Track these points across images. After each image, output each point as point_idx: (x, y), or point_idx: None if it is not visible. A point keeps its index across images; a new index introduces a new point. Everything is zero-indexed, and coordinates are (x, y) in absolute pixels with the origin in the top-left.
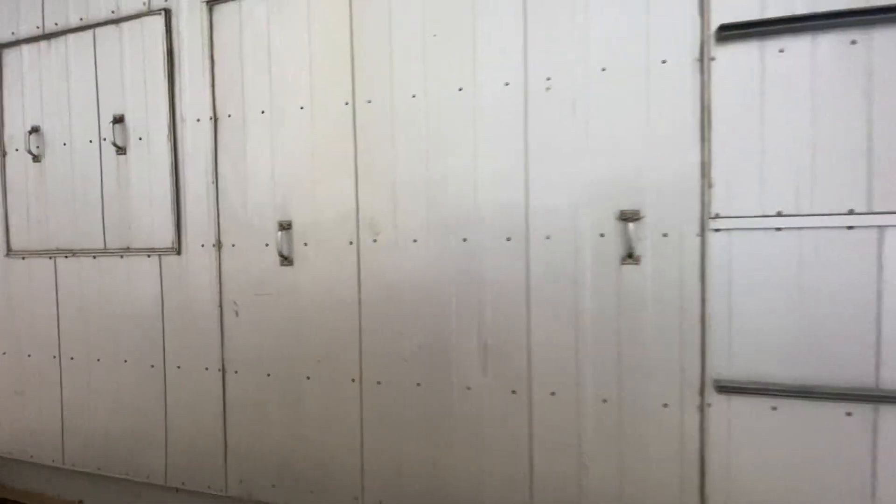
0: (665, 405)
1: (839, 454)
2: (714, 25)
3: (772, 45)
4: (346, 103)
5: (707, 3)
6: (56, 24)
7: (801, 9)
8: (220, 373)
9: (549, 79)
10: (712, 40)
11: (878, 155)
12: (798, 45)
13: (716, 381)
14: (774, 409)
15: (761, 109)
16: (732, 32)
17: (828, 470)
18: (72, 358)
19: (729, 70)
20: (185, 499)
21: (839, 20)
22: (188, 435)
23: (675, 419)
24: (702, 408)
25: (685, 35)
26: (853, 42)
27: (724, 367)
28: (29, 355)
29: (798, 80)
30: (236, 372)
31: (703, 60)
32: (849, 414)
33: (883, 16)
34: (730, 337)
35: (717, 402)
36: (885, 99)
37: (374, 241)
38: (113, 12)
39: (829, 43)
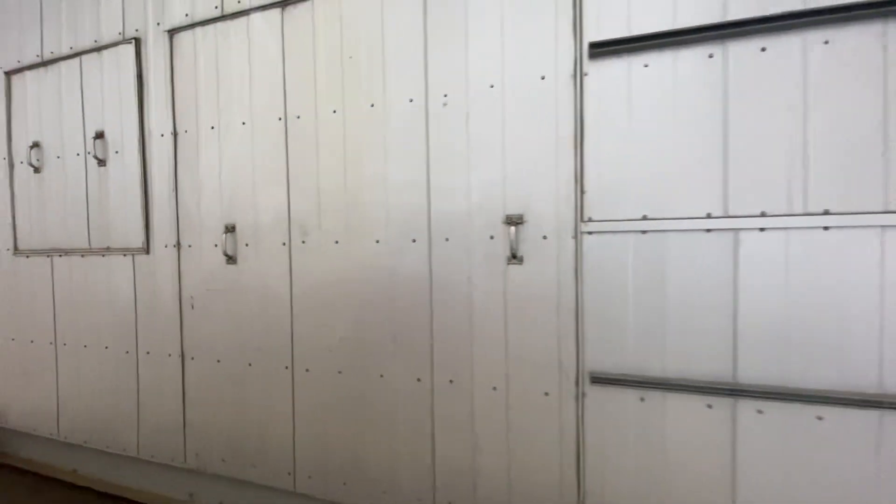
0: (546, 394)
1: (701, 443)
2: (586, 43)
3: (637, 61)
4: (279, 119)
5: (580, 23)
6: (52, 52)
7: (662, 26)
8: (180, 359)
9: (445, 95)
10: (585, 57)
11: (732, 161)
12: (661, 60)
13: (591, 372)
14: (642, 399)
15: (629, 120)
16: (602, 50)
17: (692, 458)
18: (64, 344)
19: (599, 84)
20: (155, 470)
21: (697, 35)
22: (156, 413)
23: (555, 407)
24: (578, 397)
25: (561, 53)
26: (710, 56)
27: (598, 359)
28: (31, 341)
29: (662, 92)
30: (192, 358)
31: (577, 76)
32: (709, 406)
33: (736, 30)
34: (603, 332)
35: (591, 392)
36: (739, 108)
37: (303, 242)
38: (95, 41)
39: (689, 57)
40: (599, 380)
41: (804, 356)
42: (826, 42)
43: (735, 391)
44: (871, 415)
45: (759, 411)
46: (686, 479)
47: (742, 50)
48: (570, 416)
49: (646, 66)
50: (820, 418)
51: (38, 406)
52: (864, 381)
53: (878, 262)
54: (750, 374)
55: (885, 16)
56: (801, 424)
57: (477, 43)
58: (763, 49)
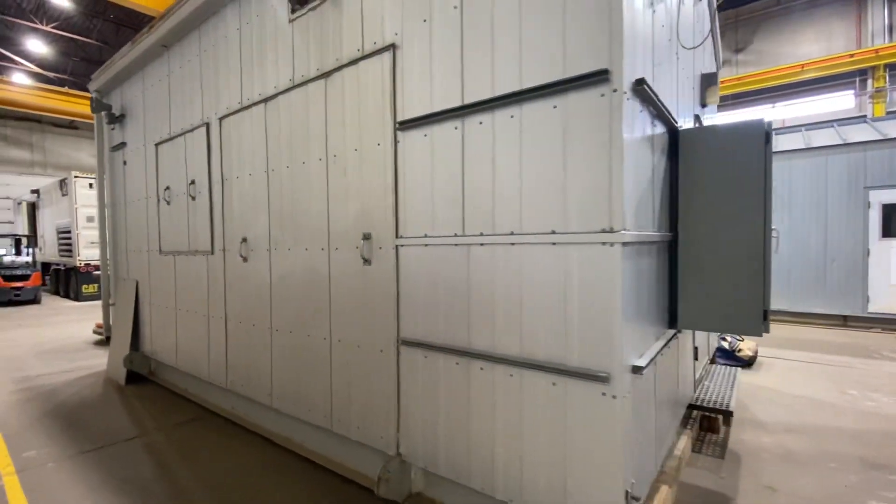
0: (381, 350)
1: (455, 385)
2: (397, 122)
3: (419, 132)
4: (264, 171)
5: (394, 109)
6: (171, 133)
7: (426, 111)
8: (224, 321)
9: (335, 155)
10: (397, 131)
11: (466, 200)
12: (430, 131)
13: (402, 338)
14: (426, 357)
15: (414, 172)
16: (405, 126)
17: (452, 393)
18: (178, 309)
19: (404, 148)
20: (218, 390)
21: (445, 115)
22: (215, 352)
23: (386, 358)
24: (397, 353)
25: (387, 128)
26: (455, 128)
27: (407, 329)
28: (165, 307)
29: (431, 153)
30: (230, 320)
31: (394, 143)
32: (457, 364)
33: (466, 110)
34: (408, 310)
35: (403, 350)
36: (469, 164)
37: (276, 249)
38: (191, 125)
39: (441, 129)
40: (405, 342)
41: (498, 330)
42: (512, 116)
43: (468, 353)
44: (512, 368)
45: (481, 368)
46: (447, 403)
47: (470, 123)
48: (393, 364)
49: (425, 135)
50: (511, 375)
51: (185, 350)
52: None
53: (544, 264)
54: (477, 340)
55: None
56: (496, 376)
57: (348, 125)
58: (480, 122)
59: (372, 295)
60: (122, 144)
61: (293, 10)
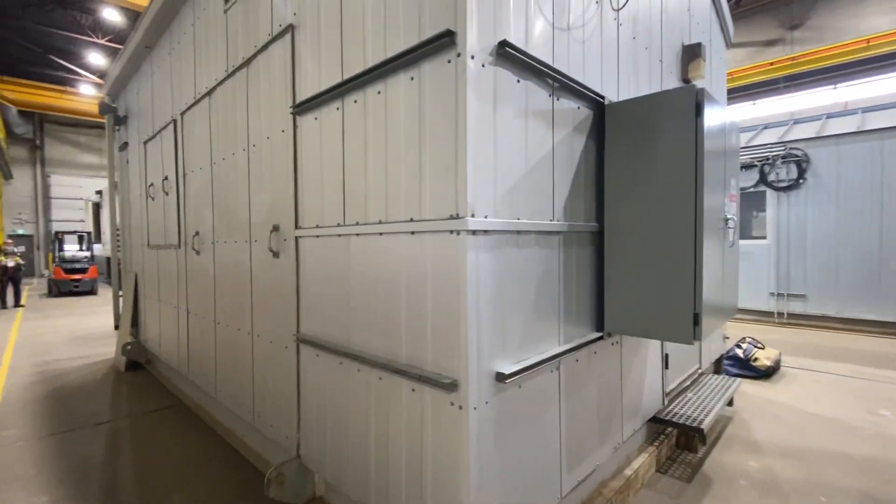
0: (286, 347)
1: (337, 381)
2: (294, 105)
3: (311, 116)
4: (209, 164)
5: (294, 92)
6: (148, 135)
7: (317, 90)
8: (187, 312)
9: (254, 145)
10: (295, 115)
11: (347, 191)
12: (319, 113)
13: (300, 334)
14: (318, 356)
15: (321, 154)
16: (301, 108)
17: (338, 389)
18: (165, 303)
19: (303, 132)
20: (201, 390)
21: (329, 94)
22: (175, 338)
23: (289, 357)
24: (297, 351)
25: (287, 114)
26: (337, 108)
27: (305, 325)
28: (161, 301)
29: (320, 138)
30: (189, 312)
31: (294, 128)
32: (341, 363)
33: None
34: (306, 306)
35: (302, 348)
36: (349, 155)
37: (217, 242)
38: (160, 127)
39: (328, 112)
40: (302, 340)
41: (372, 329)
42: (379, 92)
43: (347, 353)
44: (381, 371)
45: (358, 370)
46: (333, 406)
47: (348, 102)
48: (293, 363)
49: (315, 118)
50: (359, 370)
51: (154, 336)
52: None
53: (406, 255)
54: (356, 339)
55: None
56: (371, 379)
57: (262, 113)
58: (355, 101)
59: (280, 289)
60: (125, 144)
61: (226, 1)
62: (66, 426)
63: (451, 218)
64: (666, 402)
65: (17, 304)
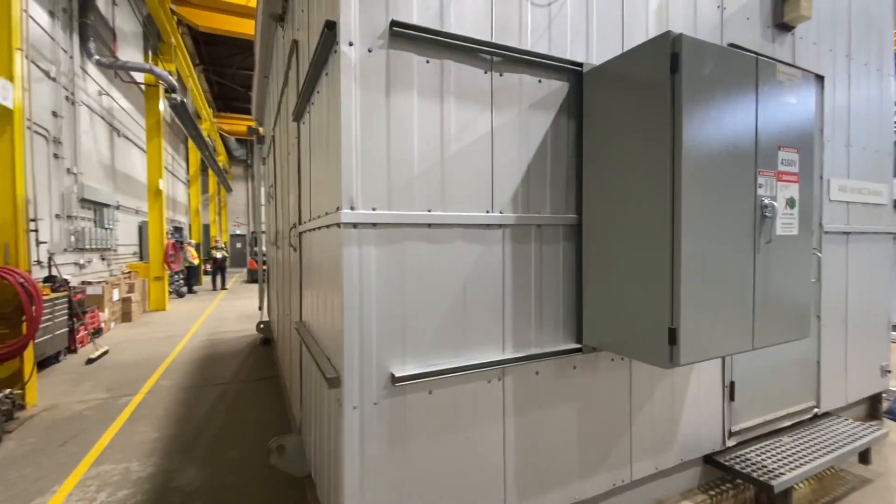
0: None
1: (312, 373)
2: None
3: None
4: (284, 175)
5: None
6: None
7: None
8: (276, 300)
9: (288, 153)
10: (299, 124)
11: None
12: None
13: (298, 322)
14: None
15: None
16: (296, 115)
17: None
18: (274, 290)
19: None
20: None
21: None
22: None
23: (297, 341)
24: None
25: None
26: None
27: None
28: (273, 288)
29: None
30: (275, 301)
31: (298, 136)
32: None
33: None
34: (304, 293)
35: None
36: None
37: (285, 239)
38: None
39: None
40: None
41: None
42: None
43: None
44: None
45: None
46: (308, 392)
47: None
48: (298, 347)
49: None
50: None
51: (273, 319)
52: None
53: (329, 247)
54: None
55: None
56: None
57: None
58: None
59: (293, 276)
60: (264, 159)
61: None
62: (199, 382)
63: (335, 212)
64: (729, 443)
65: (223, 287)
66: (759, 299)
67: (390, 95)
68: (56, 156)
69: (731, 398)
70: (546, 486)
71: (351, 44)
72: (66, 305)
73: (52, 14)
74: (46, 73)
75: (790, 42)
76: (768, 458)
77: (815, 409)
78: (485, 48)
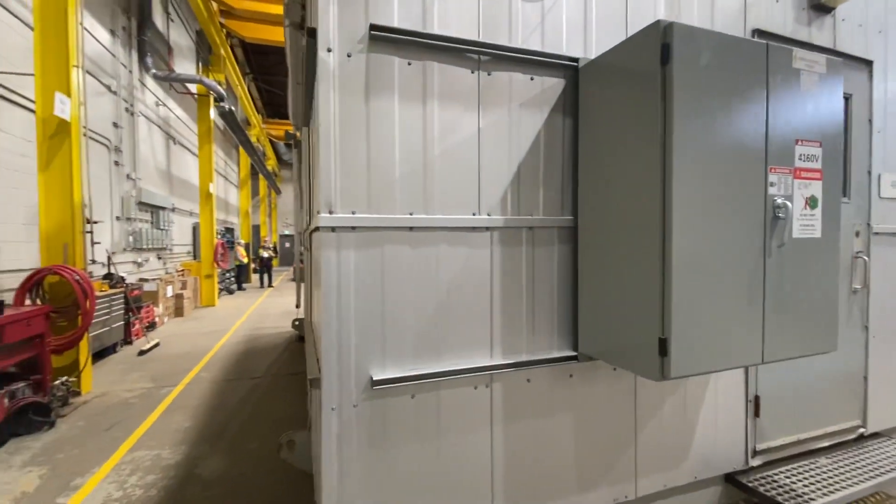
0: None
1: None
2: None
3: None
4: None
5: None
6: None
7: None
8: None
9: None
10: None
11: None
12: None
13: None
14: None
15: None
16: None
17: None
18: (303, 287)
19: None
20: None
21: None
22: None
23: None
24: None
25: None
26: None
27: None
28: (303, 285)
29: None
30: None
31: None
32: None
33: None
34: None
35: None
36: None
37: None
38: None
39: None
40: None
41: None
42: None
43: None
44: None
45: None
46: None
47: None
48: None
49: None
50: None
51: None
52: None
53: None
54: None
55: None
56: None
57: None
58: None
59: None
60: (299, 163)
61: None
62: (234, 376)
63: (317, 215)
64: (753, 462)
65: (269, 284)
66: (771, 308)
67: (370, 99)
68: (117, 163)
69: (757, 414)
70: (539, 496)
71: (329, 50)
72: (122, 301)
73: (112, 32)
74: (108, 88)
75: (830, 25)
76: (799, 480)
77: (861, 430)
78: (471, 48)
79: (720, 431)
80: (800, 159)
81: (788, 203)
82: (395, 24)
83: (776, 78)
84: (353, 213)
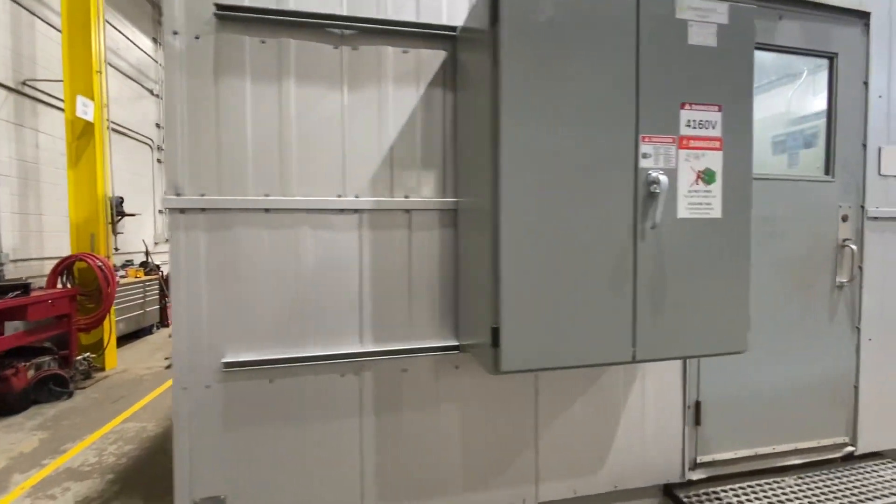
0: None
1: None
2: None
3: None
4: None
5: None
6: None
7: None
8: None
9: None
10: None
11: None
12: None
13: None
14: None
15: None
16: None
17: None
18: None
19: None
20: None
21: None
22: None
23: None
24: None
25: None
26: None
27: None
28: None
29: None
30: None
31: None
32: None
33: None
34: None
35: None
36: None
37: None
38: None
39: None
40: None
41: None
42: None
43: None
44: None
45: None
46: None
47: None
48: None
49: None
50: None
51: None
52: None
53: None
54: None
55: None
56: None
57: None
58: None
59: None
60: None
61: None
62: None
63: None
64: (692, 475)
65: None
66: (646, 300)
67: (220, 81)
68: (159, 161)
69: (697, 422)
70: (419, 494)
71: (175, 33)
72: (157, 287)
73: (155, 40)
74: (150, 91)
75: None
76: (749, 500)
77: (850, 448)
78: (333, 22)
79: (649, 439)
80: (687, 126)
81: (663, 177)
82: (245, 2)
83: (650, 30)
84: (203, 195)
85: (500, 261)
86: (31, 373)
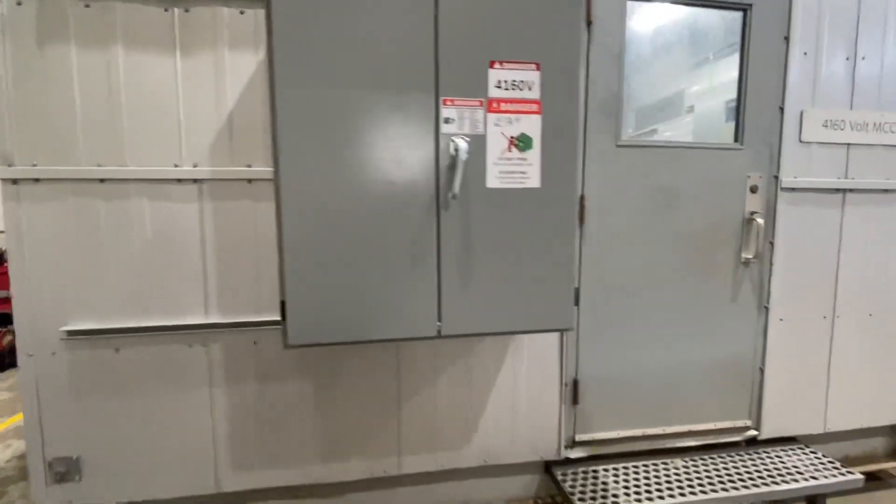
0: None
1: None
2: None
3: None
4: None
5: None
6: None
7: None
8: None
9: None
10: None
11: None
12: None
13: None
14: None
15: None
16: None
17: None
18: None
19: None
20: None
21: None
22: None
23: None
24: None
25: None
26: None
27: None
28: None
29: None
30: None
31: None
32: None
33: None
34: None
35: None
36: None
37: None
38: None
39: None
40: None
41: None
42: None
43: None
44: None
45: None
46: None
47: None
48: None
49: None
50: None
51: None
52: None
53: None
54: None
55: None
56: None
57: None
58: None
59: None
60: None
61: None
62: None
63: None
64: (570, 454)
65: None
66: (452, 272)
67: (44, 47)
68: None
69: (575, 401)
70: (273, 462)
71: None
72: None
73: None
74: None
75: None
76: (625, 480)
77: (752, 432)
78: None
79: (521, 416)
80: (498, 87)
81: (462, 142)
82: None
83: None
84: (35, 165)
85: (283, 231)
86: (9, 337)
